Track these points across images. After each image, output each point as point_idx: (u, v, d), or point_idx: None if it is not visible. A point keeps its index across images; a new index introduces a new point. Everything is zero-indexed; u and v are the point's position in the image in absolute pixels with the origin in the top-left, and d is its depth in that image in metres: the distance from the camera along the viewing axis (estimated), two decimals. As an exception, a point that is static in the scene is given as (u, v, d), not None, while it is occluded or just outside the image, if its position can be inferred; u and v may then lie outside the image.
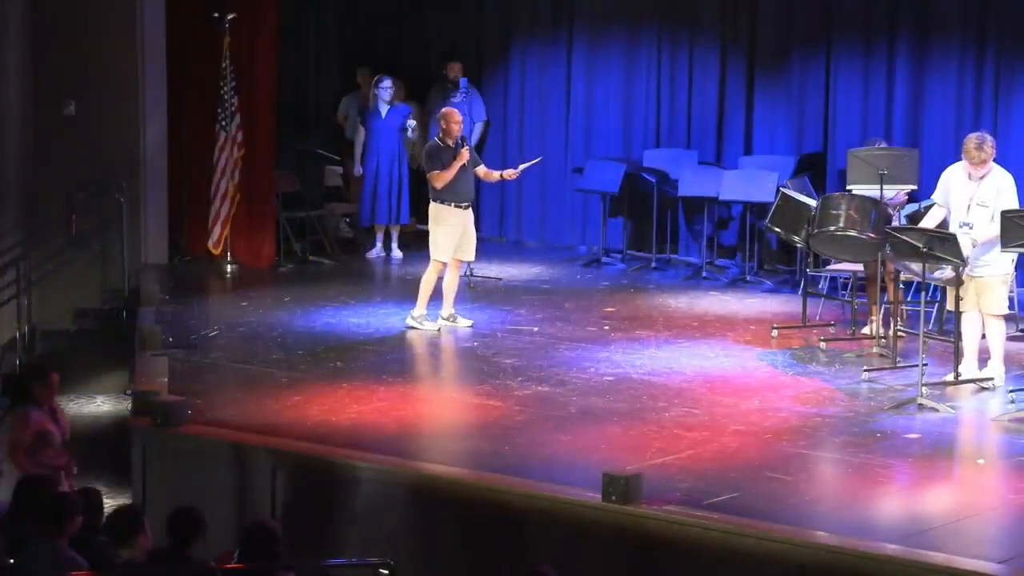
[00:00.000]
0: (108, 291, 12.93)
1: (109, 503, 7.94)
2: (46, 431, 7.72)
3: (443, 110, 11.59)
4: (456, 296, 11.41)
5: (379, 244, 14.26)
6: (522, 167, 11.60)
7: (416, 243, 14.99)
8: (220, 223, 13.27)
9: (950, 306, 9.71)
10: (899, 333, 10.78)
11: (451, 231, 11.16)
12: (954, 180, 9.69)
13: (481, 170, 11.44)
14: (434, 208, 11.22)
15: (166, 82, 13.43)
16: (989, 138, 9.62)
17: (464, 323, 11.29)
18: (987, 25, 12.73)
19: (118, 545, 6.42)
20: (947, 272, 9.41)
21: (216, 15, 13.22)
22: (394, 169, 14.08)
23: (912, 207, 11.40)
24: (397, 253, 14.19)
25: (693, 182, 13.43)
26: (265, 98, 13.68)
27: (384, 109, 14.04)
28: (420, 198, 15.37)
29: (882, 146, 11.37)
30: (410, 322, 11.21)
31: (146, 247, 13.25)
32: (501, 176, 11.64)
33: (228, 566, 6.52)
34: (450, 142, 11.22)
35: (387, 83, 14.07)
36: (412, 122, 14.10)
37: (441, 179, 11.10)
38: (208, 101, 13.36)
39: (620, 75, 14.61)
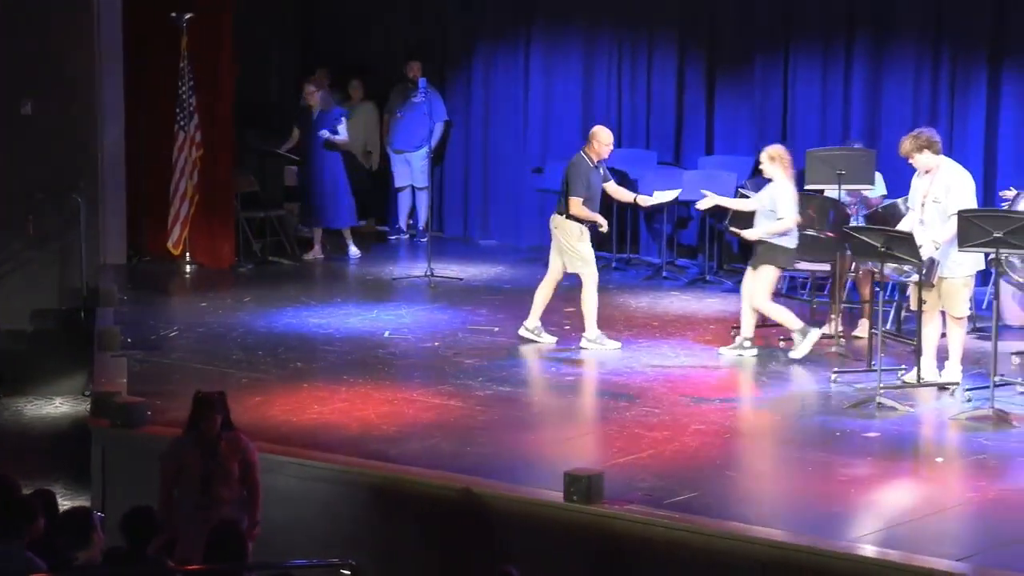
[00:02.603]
0: (67, 292, 12.85)
1: (68, 505, 7.89)
2: (185, 464, 7.36)
3: (596, 128, 10.94)
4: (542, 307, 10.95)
5: (317, 246, 14.16)
6: (657, 195, 11.07)
7: (374, 243, 15.01)
8: (180, 223, 13.23)
9: (914, 305, 9.78)
10: (861, 334, 10.88)
11: (588, 244, 10.83)
12: (915, 180, 9.79)
13: (610, 186, 10.94)
14: (575, 227, 10.75)
15: (125, 82, 13.37)
16: (924, 132, 9.69)
17: (548, 339, 10.89)
18: (942, 28, 12.82)
19: (74, 547, 6.38)
20: (914, 275, 9.48)
21: (174, 15, 13.18)
22: (326, 172, 13.93)
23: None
24: (354, 251, 14.13)
25: (653, 182, 13.46)
26: (224, 98, 13.63)
27: (315, 112, 13.95)
28: (370, 197, 15.50)
29: (858, 147, 11.52)
30: (586, 344, 10.75)
31: (105, 247, 13.18)
32: (635, 200, 11.15)
33: (192, 567, 6.51)
34: (596, 160, 10.77)
35: (309, 88, 13.99)
36: (325, 133, 13.76)
37: (580, 211, 10.64)
38: (167, 101, 13.30)
39: (579, 75, 14.63)
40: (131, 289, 12.60)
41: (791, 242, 10.43)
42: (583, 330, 10.81)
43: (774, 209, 10.37)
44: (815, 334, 10.38)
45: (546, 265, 11.24)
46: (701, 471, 8.33)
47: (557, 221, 10.85)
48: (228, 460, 7.35)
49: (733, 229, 11.11)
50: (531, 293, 11.03)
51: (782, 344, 10.84)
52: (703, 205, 10.88)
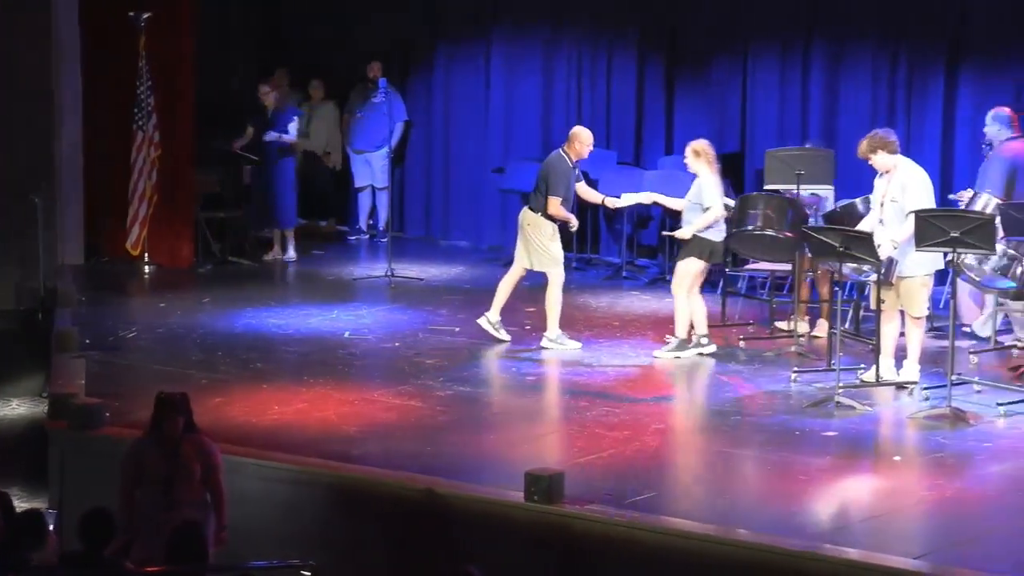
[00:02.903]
0: (24, 292, 12.75)
1: (25, 507, 7.84)
2: (147, 465, 7.31)
3: (577, 129, 10.98)
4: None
5: (277, 247, 14.10)
6: (626, 197, 11.05)
7: (335, 243, 14.98)
8: (138, 224, 13.18)
9: (873, 305, 9.84)
10: (819, 334, 10.94)
11: (559, 243, 10.84)
12: (876, 180, 9.87)
13: (580, 186, 10.95)
14: (548, 226, 10.76)
15: (84, 82, 13.29)
16: (879, 133, 9.78)
17: (504, 336, 10.88)
18: (900, 29, 12.89)
19: (30, 548, 6.36)
20: (873, 275, 9.54)
21: (132, 14, 13.12)
22: (270, 173, 13.86)
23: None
24: (291, 254, 13.97)
25: (613, 182, 13.48)
26: (183, 97, 13.58)
27: (270, 112, 13.90)
28: (330, 198, 15.48)
29: (808, 145, 11.59)
30: (547, 344, 10.72)
31: (63, 248, 13.09)
32: (603, 201, 11.17)
33: (151, 568, 6.49)
34: (575, 160, 10.79)
35: (264, 88, 13.94)
36: (272, 135, 13.69)
37: (558, 211, 10.66)
38: (126, 101, 13.24)
39: (539, 76, 14.65)
40: (89, 290, 12.52)
41: (718, 235, 10.52)
42: (544, 330, 10.82)
43: (700, 202, 10.45)
44: (689, 353, 10.48)
45: (507, 265, 11.25)
46: (661, 471, 8.37)
47: (530, 218, 10.84)
48: (190, 462, 7.31)
49: (666, 232, 11.21)
50: (492, 293, 11.03)
51: (742, 343, 10.89)
52: (635, 200, 11.08)
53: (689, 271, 10.52)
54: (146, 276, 13.32)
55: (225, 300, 12.31)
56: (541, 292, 10.88)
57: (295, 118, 13.98)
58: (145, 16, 13.10)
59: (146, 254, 13.36)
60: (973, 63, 12.55)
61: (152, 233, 13.31)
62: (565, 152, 10.82)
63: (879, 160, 9.70)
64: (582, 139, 10.82)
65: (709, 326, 11.05)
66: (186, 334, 11.18)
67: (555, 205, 10.69)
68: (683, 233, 10.53)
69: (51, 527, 6.52)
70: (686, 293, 10.53)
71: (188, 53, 13.58)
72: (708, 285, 12.78)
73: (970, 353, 10.43)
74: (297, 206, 14.24)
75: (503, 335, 10.89)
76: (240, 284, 13.00)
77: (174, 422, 7.33)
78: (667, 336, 10.68)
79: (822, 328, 10.97)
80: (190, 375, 9.95)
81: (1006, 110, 10.95)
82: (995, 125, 10.87)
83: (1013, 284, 9.75)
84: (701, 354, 10.53)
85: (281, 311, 11.95)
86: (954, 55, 12.62)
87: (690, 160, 10.57)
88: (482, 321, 10.91)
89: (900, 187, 9.65)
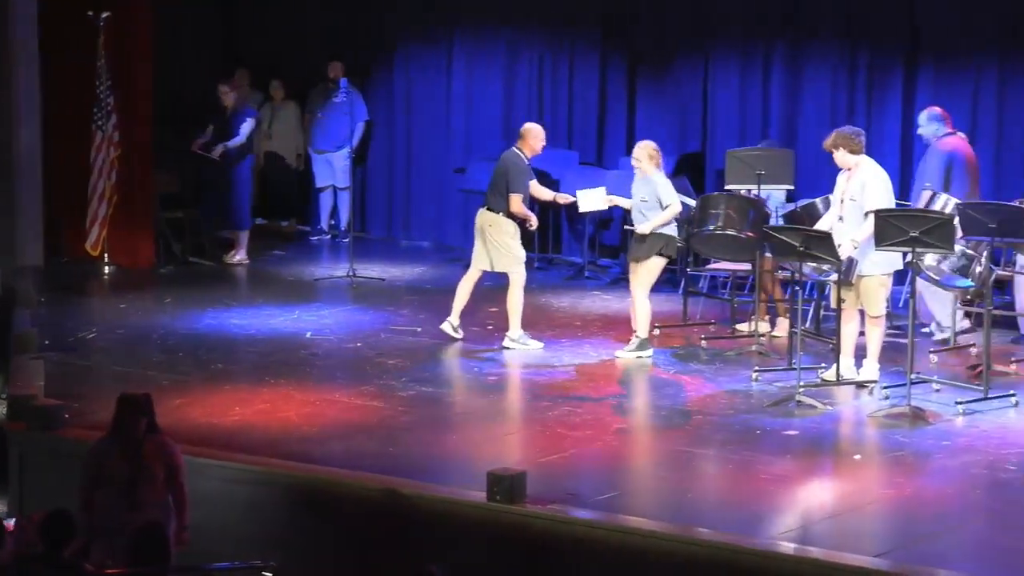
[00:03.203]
0: (-19, 293, 12.67)
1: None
2: (108, 467, 7.25)
3: (529, 125, 11.02)
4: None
5: (236, 247, 14.06)
6: (583, 199, 11.04)
7: (296, 243, 14.95)
8: (98, 224, 13.11)
9: (833, 304, 9.90)
10: (780, 333, 11.00)
11: (520, 242, 10.84)
12: (839, 177, 9.93)
13: (533, 184, 10.91)
14: (510, 225, 10.77)
15: (41, 82, 13.17)
16: (843, 131, 9.88)
17: (459, 335, 10.90)
18: (859, 30, 12.97)
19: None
20: (833, 274, 9.59)
21: (91, 13, 13.05)
22: (228, 173, 13.79)
23: (789, 207, 11.59)
24: (241, 257, 13.83)
25: (575, 182, 13.49)
26: (142, 97, 13.52)
27: (229, 112, 13.85)
28: (292, 198, 15.44)
29: (763, 145, 11.63)
30: (509, 344, 10.71)
31: (22, 249, 12.97)
32: (554, 199, 11.19)
33: (111, 571, 6.46)
34: (530, 157, 10.80)
35: (223, 88, 13.87)
36: (220, 146, 13.62)
37: (519, 208, 10.68)
38: (86, 101, 13.17)
39: (501, 76, 14.66)
40: (49, 291, 12.43)
41: (674, 231, 10.62)
42: (506, 330, 10.82)
43: (659, 199, 10.49)
44: (647, 354, 10.53)
45: (469, 265, 11.24)
46: (623, 470, 8.40)
47: (490, 218, 10.83)
48: (153, 463, 7.28)
49: (627, 226, 11.30)
50: (453, 293, 11.03)
51: (703, 343, 10.93)
52: (593, 206, 11.08)
53: (652, 269, 10.56)
54: (106, 277, 13.25)
55: (186, 301, 12.26)
56: (503, 292, 10.89)
57: (248, 119, 13.90)
58: (104, 16, 13.04)
59: (106, 254, 13.29)
60: (931, 65, 12.63)
61: (112, 233, 13.24)
62: (519, 149, 10.84)
63: (839, 157, 9.78)
64: (535, 135, 10.85)
65: (671, 325, 11.11)
66: (147, 335, 11.14)
67: (517, 202, 10.71)
68: (644, 228, 10.57)
69: (9, 528, 6.46)
70: (646, 292, 10.57)
71: (147, 53, 13.52)
72: (669, 284, 12.88)
73: (930, 352, 10.50)
74: (252, 206, 14.19)
75: (459, 334, 10.91)
76: (201, 285, 12.94)
77: (136, 423, 7.30)
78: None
79: (783, 327, 11.02)
80: (151, 376, 9.91)
81: (937, 109, 11.19)
82: (932, 124, 11.08)
83: (972, 283, 9.83)
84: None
85: (242, 311, 11.92)
86: (912, 57, 12.71)
87: (643, 163, 10.63)
88: (445, 326, 10.93)
89: (860, 186, 9.72)
